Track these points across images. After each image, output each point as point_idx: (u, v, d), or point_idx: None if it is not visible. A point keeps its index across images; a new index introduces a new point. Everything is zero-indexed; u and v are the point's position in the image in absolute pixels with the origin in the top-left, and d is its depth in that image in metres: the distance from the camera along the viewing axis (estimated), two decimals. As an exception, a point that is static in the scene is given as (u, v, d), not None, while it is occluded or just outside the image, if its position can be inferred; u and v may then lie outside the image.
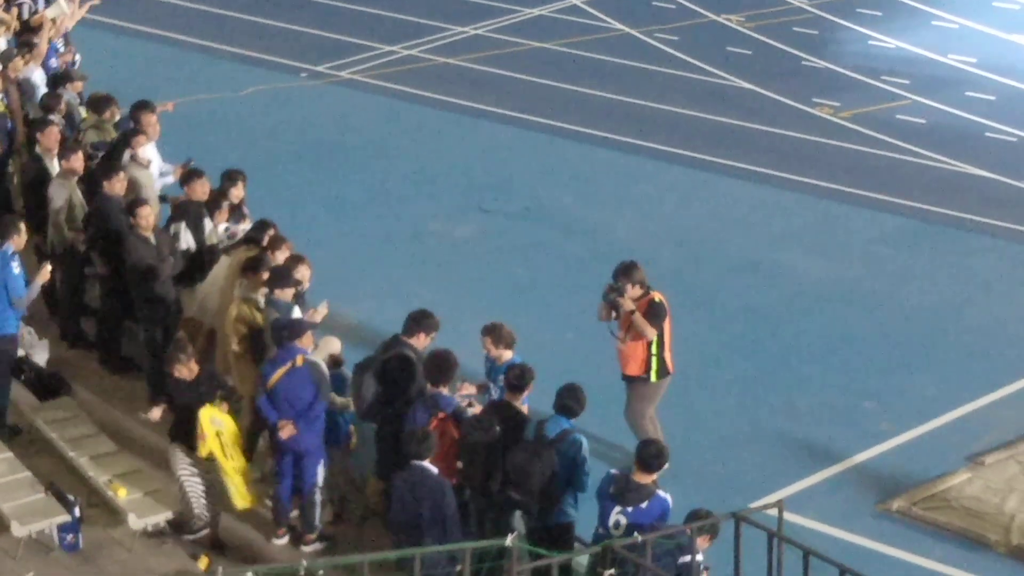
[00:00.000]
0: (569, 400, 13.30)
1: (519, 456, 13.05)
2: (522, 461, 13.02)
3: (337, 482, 14.77)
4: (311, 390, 13.93)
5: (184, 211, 16.81)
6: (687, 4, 34.83)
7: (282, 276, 15.04)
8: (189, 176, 17.06)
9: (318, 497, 14.20)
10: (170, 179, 18.24)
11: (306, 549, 14.16)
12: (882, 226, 23.52)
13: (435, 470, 12.83)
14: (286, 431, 13.93)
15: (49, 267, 15.49)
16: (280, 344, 14.11)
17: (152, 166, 18.00)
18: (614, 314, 15.86)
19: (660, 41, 32.24)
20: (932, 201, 24.26)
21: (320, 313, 15.29)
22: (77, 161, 17.33)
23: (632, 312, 15.56)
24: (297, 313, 14.95)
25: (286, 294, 14.98)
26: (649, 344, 15.80)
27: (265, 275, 15.23)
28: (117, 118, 19.18)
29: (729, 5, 34.64)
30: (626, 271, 15.71)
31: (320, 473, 14.17)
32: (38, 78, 20.48)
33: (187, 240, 16.69)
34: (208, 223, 16.76)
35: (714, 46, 31.92)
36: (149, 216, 16.11)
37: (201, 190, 16.92)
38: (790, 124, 27.58)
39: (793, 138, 27.00)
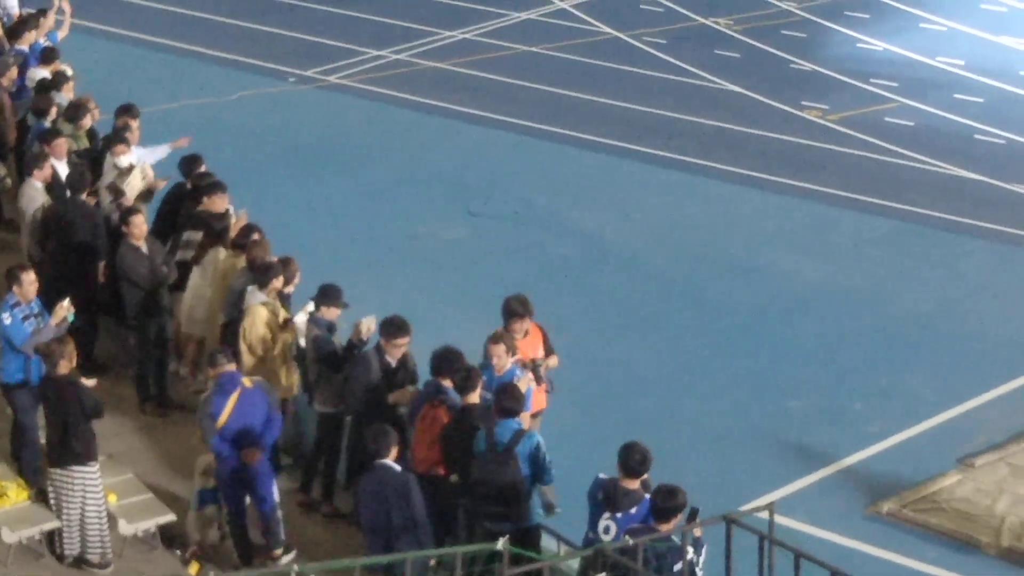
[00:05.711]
0: (507, 401, 13.01)
1: (485, 468, 12.93)
2: (487, 474, 12.92)
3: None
4: (266, 403, 13.75)
5: (202, 221, 16.73)
6: (675, 7, 34.82)
7: (330, 295, 14.75)
8: (210, 189, 16.90)
9: (279, 514, 13.93)
10: (165, 150, 18.18)
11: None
12: (871, 228, 23.53)
13: (398, 468, 12.76)
14: (255, 456, 13.55)
15: (66, 303, 14.56)
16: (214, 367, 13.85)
17: (134, 173, 17.92)
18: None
19: (648, 44, 32.24)
20: (921, 203, 24.28)
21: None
22: (48, 170, 17.55)
23: None
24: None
25: (331, 313, 14.70)
26: None
27: (278, 281, 15.09)
28: (89, 124, 19.19)
29: (717, 8, 34.63)
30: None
31: (275, 491, 13.89)
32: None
33: None
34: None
35: (702, 49, 31.91)
36: (141, 225, 16.11)
37: (220, 203, 16.83)
38: (779, 127, 27.58)
39: (782, 141, 27.01)
